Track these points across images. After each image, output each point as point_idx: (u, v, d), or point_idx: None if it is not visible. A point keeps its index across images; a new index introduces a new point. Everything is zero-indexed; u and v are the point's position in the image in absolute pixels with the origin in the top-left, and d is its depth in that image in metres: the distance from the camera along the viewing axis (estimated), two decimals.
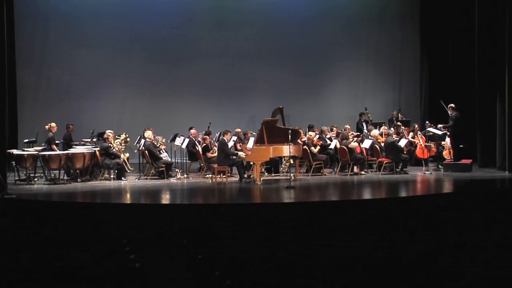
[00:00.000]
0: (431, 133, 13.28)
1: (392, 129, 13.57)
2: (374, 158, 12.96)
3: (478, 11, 13.12)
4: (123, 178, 12.02)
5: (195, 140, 12.95)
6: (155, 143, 12.47)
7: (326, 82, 16.40)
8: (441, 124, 13.50)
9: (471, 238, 7.01)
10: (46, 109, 14.64)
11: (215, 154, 12.12)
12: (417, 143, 13.62)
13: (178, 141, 12.89)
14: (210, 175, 12.09)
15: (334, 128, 14.09)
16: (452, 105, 13.38)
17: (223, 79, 15.64)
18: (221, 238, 7.32)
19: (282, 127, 11.94)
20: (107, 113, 14.96)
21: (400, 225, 8.01)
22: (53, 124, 12.42)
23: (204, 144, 12.41)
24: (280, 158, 12.73)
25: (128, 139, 13.22)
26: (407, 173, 12.52)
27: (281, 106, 12.35)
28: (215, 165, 11.75)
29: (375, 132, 13.11)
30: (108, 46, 15.12)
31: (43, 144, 12.48)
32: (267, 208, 9.15)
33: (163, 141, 12.89)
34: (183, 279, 5.58)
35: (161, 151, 12.60)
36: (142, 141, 12.49)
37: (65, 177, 11.82)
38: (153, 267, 5.89)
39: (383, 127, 13.61)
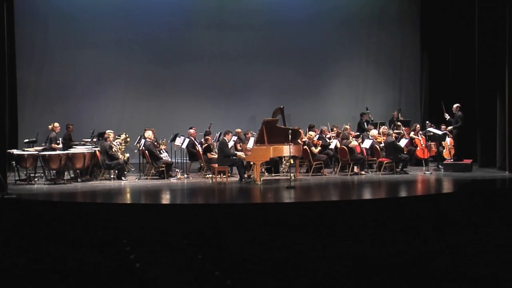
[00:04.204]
0: (431, 133, 13.30)
1: (391, 130, 13.56)
2: (374, 158, 12.96)
3: (478, 11, 13.12)
4: (123, 178, 12.03)
5: (195, 140, 12.95)
6: (155, 143, 12.48)
7: (326, 82, 16.41)
8: (444, 126, 13.58)
9: (471, 238, 7.01)
10: (46, 109, 14.64)
11: (216, 156, 12.11)
12: (418, 140, 13.60)
13: (178, 141, 12.89)
14: (210, 175, 12.09)
15: (334, 128, 14.10)
16: (458, 104, 13.47)
17: (223, 79, 15.65)
18: (221, 238, 7.32)
19: (283, 127, 11.94)
20: (107, 113, 14.97)
21: (400, 225, 8.01)
22: (56, 124, 12.46)
23: (206, 145, 12.41)
24: (280, 158, 12.72)
25: (128, 139, 13.22)
26: (407, 173, 12.52)
27: (281, 106, 12.36)
28: (215, 165, 11.75)
29: (374, 132, 13.12)
30: (108, 46, 15.12)
31: (43, 144, 12.49)
32: (267, 208, 9.15)
33: (163, 141, 12.91)
34: (183, 279, 5.58)
35: (161, 151, 12.61)
36: (142, 141, 12.49)
37: (65, 177, 11.79)
38: (153, 267, 5.89)
39: (383, 127, 13.62)
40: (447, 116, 13.65)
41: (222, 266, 5.79)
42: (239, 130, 13.66)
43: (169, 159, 12.67)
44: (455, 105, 13.65)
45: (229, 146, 12.05)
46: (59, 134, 12.54)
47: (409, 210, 9.01)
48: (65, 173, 11.89)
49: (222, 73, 15.64)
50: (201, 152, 12.61)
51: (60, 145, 12.27)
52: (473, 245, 6.56)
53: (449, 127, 13.59)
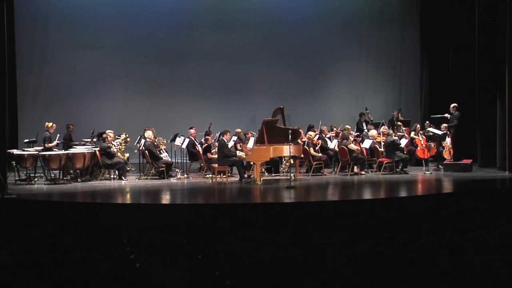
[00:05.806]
0: (431, 133, 13.30)
1: (391, 130, 13.56)
2: (374, 158, 12.96)
3: (478, 11, 13.13)
4: (123, 178, 12.03)
5: (195, 140, 12.95)
6: (156, 144, 12.47)
7: (326, 82, 16.41)
8: (444, 123, 13.56)
9: (471, 238, 7.01)
10: (46, 109, 14.65)
11: (216, 156, 12.11)
12: (419, 140, 13.60)
13: (178, 141, 12.90)
14: (210, 175, 12.09)
15: (334, 128, 14.11)
16: (455, 104, 13.49)
17: (223, 79, 15.65)
18: (221, 238, 7.32)
19: (283, 127, 11.94)
20: (107, 113, 14.96)
21: (400, 225, 8.01)
22: (50, 124, 12.43)
23: (206, 145, 12.41)
24: (280, 158, 12.72)
25: (128, 139, 13.22)
26: (407, 173, 12.52)
27: (281, 106, 12.35)
28: (215, 165, 11.75)
29: (373, 132, 13.12)
30: (108, 46, 15.12)
31: (42, 144, 12.50)
32: (267, 208, 9.14)
33: (164, 141, 12.90)
34: (183, 279, 5.57)
35: (161, 151, 12.61)
36: (142, 141, 12.49)
37: (65, 177, 11.79)
38: (153, 267, 5.89)
39: (383, 127, 13.63)
40: (448, 115, 13.63)
41: (222, 266, 5.78)
42: (239, 130, 13.66)
43: (169, 159, 12.67)
44: (452, 105, 13.66)
45: (229, 146, 12.05)
46: (53, 134, 12.50)
47: (409, 210, 9.00)
48: (65, 173, 11.88)
49: (222, 73, 15.64)
50: (201, 152, 12.62)
51: (54, 143, 12.25)
52: (473, 245, 6.56)
53: (445, 125, 13.56)
